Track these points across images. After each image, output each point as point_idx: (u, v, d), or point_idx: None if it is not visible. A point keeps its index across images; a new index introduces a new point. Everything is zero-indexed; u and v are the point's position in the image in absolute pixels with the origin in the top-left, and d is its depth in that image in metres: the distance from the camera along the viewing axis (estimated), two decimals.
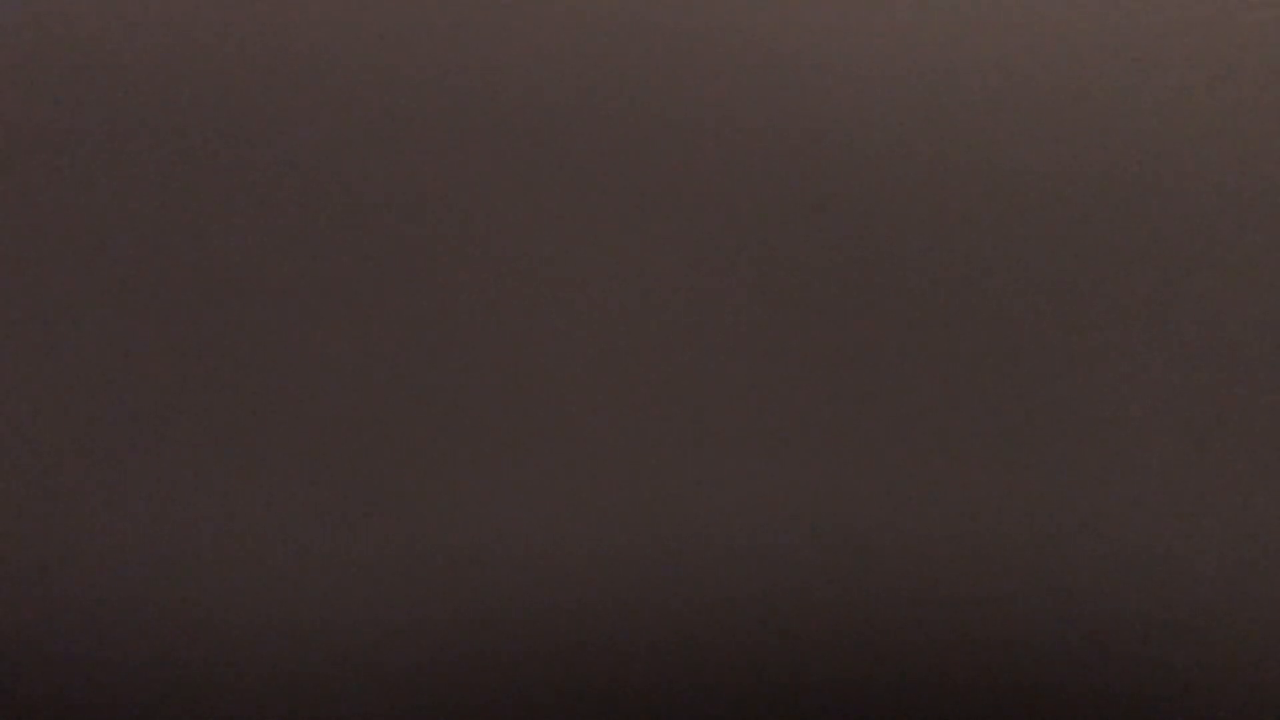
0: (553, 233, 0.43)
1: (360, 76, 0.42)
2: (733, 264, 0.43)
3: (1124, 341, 0.43)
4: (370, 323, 0.43)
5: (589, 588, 0.43)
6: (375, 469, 0.43)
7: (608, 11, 0.43)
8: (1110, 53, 0.43)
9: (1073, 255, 0.43)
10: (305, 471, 0.43)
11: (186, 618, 0.43)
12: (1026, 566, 0.44)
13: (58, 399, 0.42)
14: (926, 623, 0.44)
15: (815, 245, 0.43)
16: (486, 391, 0.43)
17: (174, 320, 0.42)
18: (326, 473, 0.43)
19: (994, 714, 0.44)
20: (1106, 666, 0.44)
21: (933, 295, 0.43)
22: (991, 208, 0.43)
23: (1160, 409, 0.43)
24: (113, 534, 0.42)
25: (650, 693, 0.44)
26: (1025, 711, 0.44)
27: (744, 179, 0.43)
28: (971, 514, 0.43)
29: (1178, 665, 0.44)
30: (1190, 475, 0.44)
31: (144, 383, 0.42)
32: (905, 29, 0.43)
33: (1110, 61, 0.43)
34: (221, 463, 0.42)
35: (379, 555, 0.43)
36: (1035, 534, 0.43)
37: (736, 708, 0.44)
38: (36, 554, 0.42)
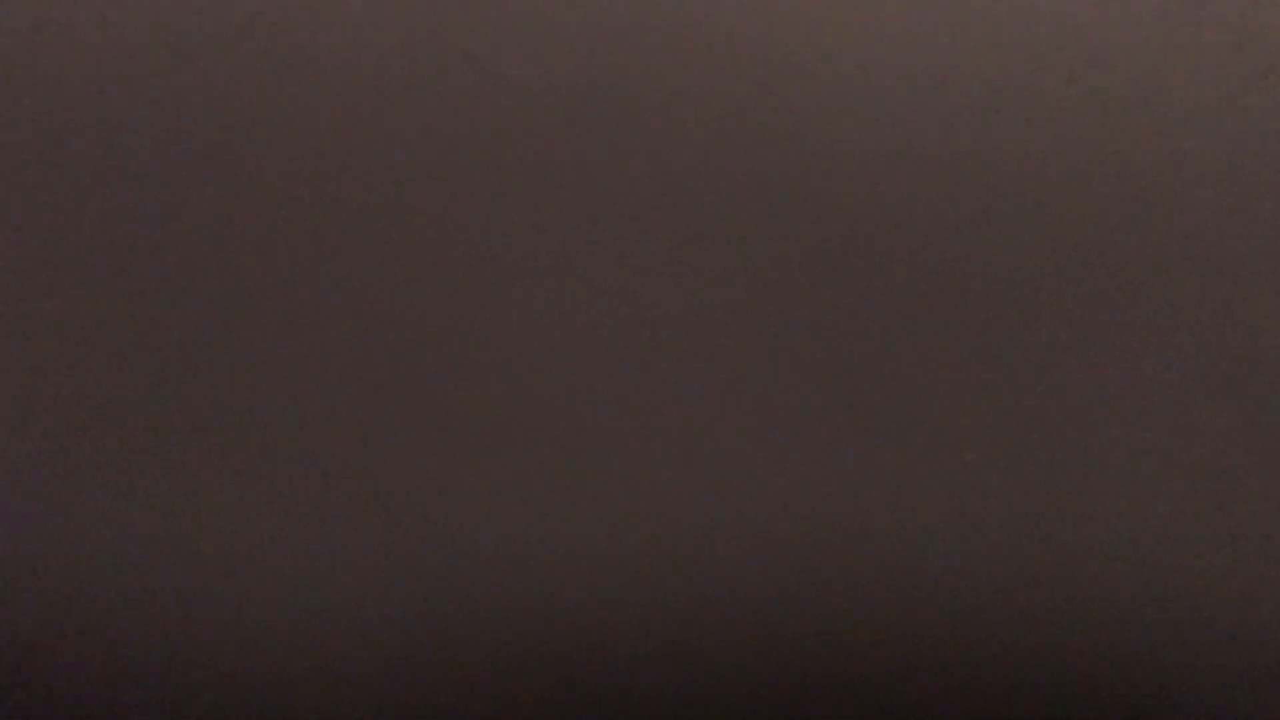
0: (552, 233, 0.43)
1: (360, 76, 0.42)
2: (732, 264, 0.43)
3: (1123, 341, 0.43)
4: (370, 323, 0.43)
5: (589, 587, 0.43)
6: (375, 469, 0.43)
7: (607, 11, 0.43)
8: (1110, 52, 0.44)
9: (1073, 255, 0.43)
10: (305, 472, 0.43)
11: (186, 617, 0.43)
12: (1026, 566, 0.44)
13: (58, 400, 0.42)
14: (925, 622, 0.44)
15: (814, 245, 0.43)
16: (486, 392, 0.43)
17: (174, 320, 0.42)
18: (326, 473, 0.43)
19: (994, 713, 0.44)
20: (1105, 665, 0.44)
21: (932, 295, 0.43)
22: (991, 208, 0.43)
23: (1160, 409, 0.44)
24: (112, 534, 0.42)
25: (649, 692, 0.44)
26: (1025, 711, 0.44)
27: (744, 179, 0.43)
28: (971, 513, 0.43)
29: (1176, 664, 0.44)
30: (1191, 475, 0.44)
31: (144, 383, 0.42)
32: (905, 29, 0.43)
33: (1109, 61, 0.44)
34: (221, 463, 0.42)
35: (379, 555, 0.43)
36: (1034, 534, 0.44)
37: (736, 707, 0.44)
38: (37, 554, 0.42)
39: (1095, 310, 0.43)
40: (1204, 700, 0.44)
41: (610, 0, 0.43)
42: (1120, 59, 0.43)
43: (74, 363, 0.42)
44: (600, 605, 0.43)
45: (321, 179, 0.42)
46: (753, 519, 0.43)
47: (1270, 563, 0.44)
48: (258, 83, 0.42)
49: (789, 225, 0.43)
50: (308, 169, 0.42)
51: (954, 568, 0.43)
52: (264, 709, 0.43)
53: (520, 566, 0.43)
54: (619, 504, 0.43)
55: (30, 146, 0.42)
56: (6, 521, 0.42)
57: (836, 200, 0.43)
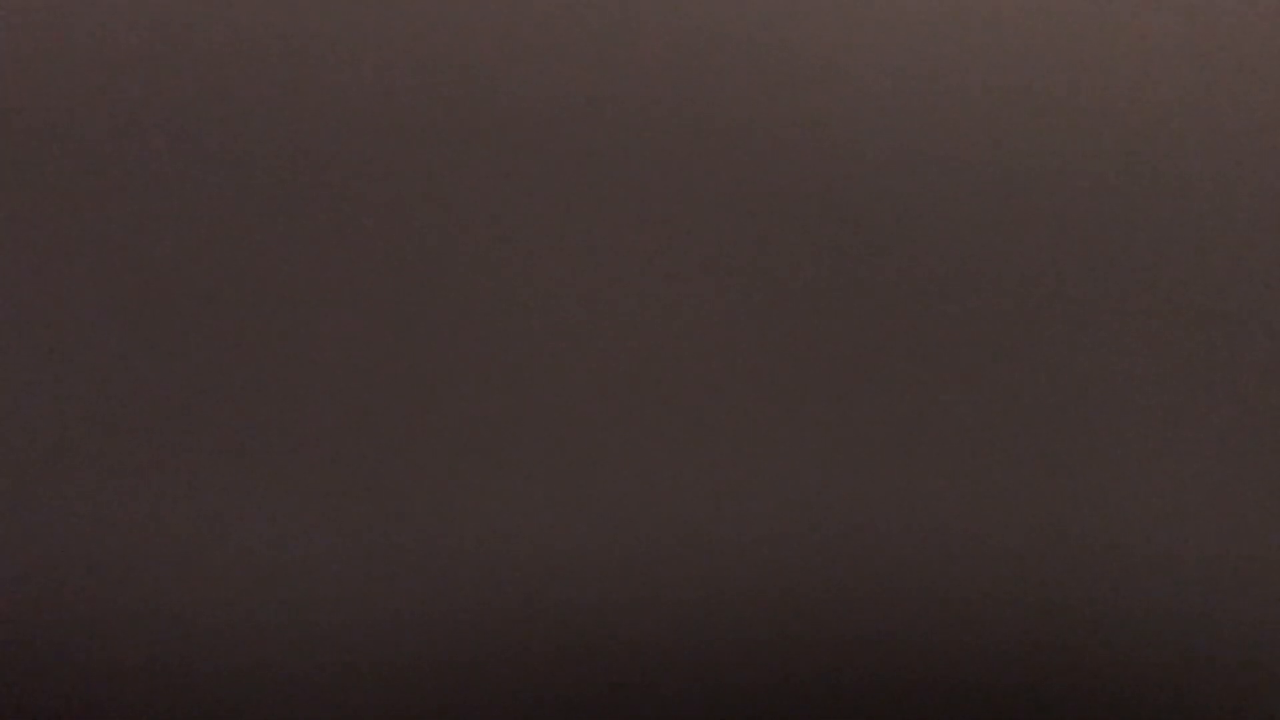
0: (553, 233, 0.43)
1: (362, 77, 0.42)
2: (733, 264, 0.43)
3: (1123, 341, 0.44)
4: (371, 323, 0.43)
5: (589, 588, 0.43)
6: (375, 469, 0.43)
7: (615, 13, 0.43)
8: (1109, 52, 0.44)
9: (1072, 255, 0.43)
10: (305, 471, 0.43)
11: (186, 618, 0.43)
12: (1028, 564, 0.44)
13: (60, 400, 0.42)
14: (925, 621, 0.44)
15: (814, 245, 0.43)
16: (487, 392, 0.43)
17: (175, 321, 0.42)
18: (327, 473, 0.43)
19: (993, 713, 0.44)
20: (1105, 664, 0.44)
21: (932, 295, 0.43)
22: (993, 208, 0.43)
23: (1160, 409, 0.44)
24: (113, 534, 0.42)
25: (650, 691, 0.44)
26: (1025, 710, 0.44)
27: (744, 178, 0.43)
28: (971, 513, 0.43)
29: (1176, 664, 0.44)
30: (1191, 475, 0.44)
31: (146, 383, 0.42)
32: (905, 29, 0.43)
33: (1109, 62, 0.44)
34: (222, 463, 0.42)
35: (379, 555, 0.43)
36: (1037, 532, 0.44)
37: (737, 707, 0.44)
38: (36, 554, 0.42)
39: (1098, 309, 0.43)
40: (1207, 697, 0.44)
41: (618, 2, 0.43)
42: (1120, 59, 0.44)
43: (76, 363, 0.42)
44: (600, 605, 0.43)
45: (322, 181, 0.42)
46: (754, 519, 0.43)
47: (1276, 558, 0.44)
48: (261, 84, 0.42)
49: (791, 226, 0.43)
50: (309, 172, 0.42)
51: (957, 566, 0.43)
52: (264, 709, 0.43)
53: (520, 566, 0.43)
54: (620, 503, 0.43)
55: (31, 145, 0.42)
56: (6, 521, 0.42)
57: (839, 200, 0.43)
